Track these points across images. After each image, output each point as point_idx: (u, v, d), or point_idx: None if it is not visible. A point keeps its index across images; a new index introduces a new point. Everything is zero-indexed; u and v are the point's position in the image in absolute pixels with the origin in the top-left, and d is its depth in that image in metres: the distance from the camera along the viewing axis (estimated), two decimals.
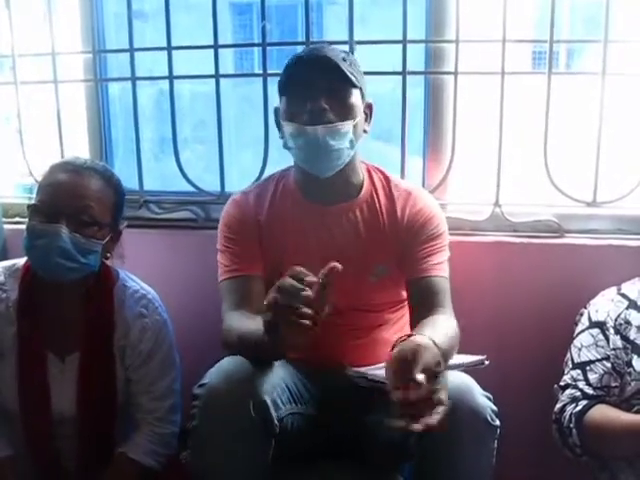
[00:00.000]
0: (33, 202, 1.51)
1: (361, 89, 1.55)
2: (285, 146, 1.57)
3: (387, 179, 1.66)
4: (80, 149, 2.21)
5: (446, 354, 1.30)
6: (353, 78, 1.51)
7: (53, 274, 1.49)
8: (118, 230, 1.60)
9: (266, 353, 1.37)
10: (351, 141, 1.52)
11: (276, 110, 1.60)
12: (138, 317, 1.61)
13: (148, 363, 1.61)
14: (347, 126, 1.51)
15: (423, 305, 1.53)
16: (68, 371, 1.57)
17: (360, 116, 1.55)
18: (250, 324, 1.40)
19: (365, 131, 1.60)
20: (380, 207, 1.62)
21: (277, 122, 1.61)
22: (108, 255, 1.60)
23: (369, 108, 1.61)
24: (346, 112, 1.51)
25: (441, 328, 1.40)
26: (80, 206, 1.48)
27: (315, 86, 1.49)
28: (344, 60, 1.51)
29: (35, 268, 1.53)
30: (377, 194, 1.63)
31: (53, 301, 1.57)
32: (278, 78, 1.56)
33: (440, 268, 1.57)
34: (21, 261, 1.60)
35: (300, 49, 1.95)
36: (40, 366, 1.55)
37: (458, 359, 1.43)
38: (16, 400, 1.54)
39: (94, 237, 1.50)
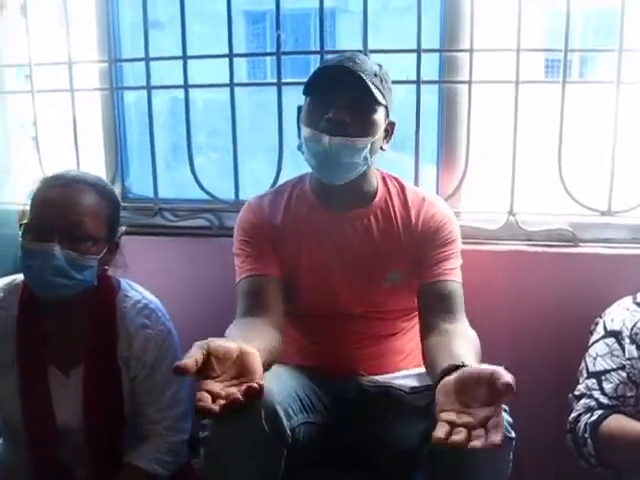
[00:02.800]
0: (25, 221, 1.47)
1: (386, 107, 1.53)
2: (299, 148, 1.56)
3: (402, 187, 1.65)
4: (96, 157, 2.23)
5: None
6: (380, 96, 1.48)
7: (49, 292, 1.47)
8: (115, 241, 1.57)
9: None
10: (365, 157, 1.51)
11: (299, 108, 1.58)
12: (141, 328, 1.58)
13: (153, 374, 1.59)
14: (364, 142, 1.49)
15: (435, 309, 1.52)
16: (73, 385, 1.55)
17: (380, 133, 1.53)
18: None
19: (382, 148, 1.58)
20: (395, 214, 1.62)
21: (298, 121, 1.59)
22: (106, 267, 1.57)
23: (391, 126, 1.59)
24: (366, 128, 1.49)
25: (473, 345, 1.38)
26: (72, 222, 1.44)
27: (341, 96, 1.47)
28: (375, 75, 1.49)
29: (31, 286, 1.50)
30: (392, 201, 1.63)
31: (53, 316, 1.54)
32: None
33: (454, 273, 1.56)
34: (21, 276, 1.56)
35: (314, 58, 1.97)
36: (42, 381, 1.53)
37: None
38: (19, 416, 1.54)
39: (88, 253, 1.46)
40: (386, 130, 1.57)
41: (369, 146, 1.50)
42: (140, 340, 1.58)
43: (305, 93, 1.54)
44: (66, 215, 1.44)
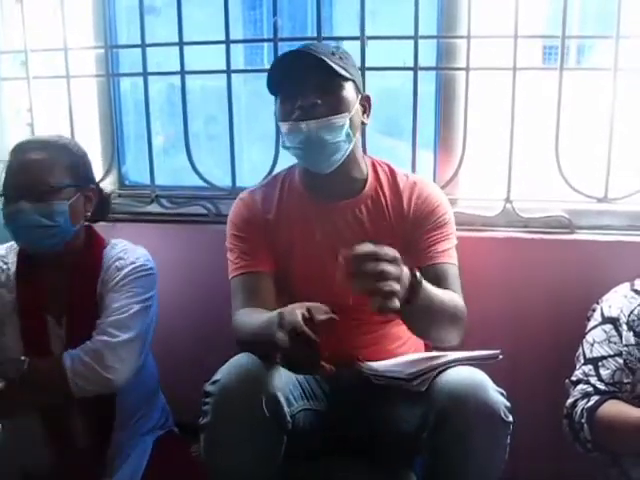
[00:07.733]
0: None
1: (354, 82, 1.54)
2: (284, 146, 1.58)
3: (393, 172, 1.65)
4: (92, 144, 2.22)
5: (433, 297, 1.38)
6: (343, 71, 1.49)
7: (34, 246, 1.60)
8: (90, 188, 1.66)
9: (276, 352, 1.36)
10: (347, 134, 1.52)
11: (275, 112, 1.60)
12: (116, 260, 1.65)
13: (108, 294, 1.61)
14: (341, 119, 1.50)
15: None
16: (64, 335, 1.61)
17: (355, 108, 1.54)
18: (261, 319, 1.40)
19: (363, 123, 1.60)
20: (386, 202, 1.62)
21: (277, 123, 1.60)
22: (88, 214, 1.66)
23: (367, 101, 1.61)
24: (338, 105, 1.50)
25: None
26: (33, 179, 1.56)
27: (304, 82, 1.48)
28: (333, 54, 1.50)
29: (20, 246, 1.65)
30: (382, 189, 1.63)
31: (48, 269, 1.64)
32: None
33: (447, 255, 1.57)
34: None
35: None
36: (41, 329, 1.61)
37: (471, 353, 1.43)
38: None
39: (54, 199, 1.57)
40: (362, 105, 1.59)
41: (348, 122, 1.51)
42: (113, 270, 1.64)
43: (271, 93, 1.55)
44: (26, 175, 1.57)
